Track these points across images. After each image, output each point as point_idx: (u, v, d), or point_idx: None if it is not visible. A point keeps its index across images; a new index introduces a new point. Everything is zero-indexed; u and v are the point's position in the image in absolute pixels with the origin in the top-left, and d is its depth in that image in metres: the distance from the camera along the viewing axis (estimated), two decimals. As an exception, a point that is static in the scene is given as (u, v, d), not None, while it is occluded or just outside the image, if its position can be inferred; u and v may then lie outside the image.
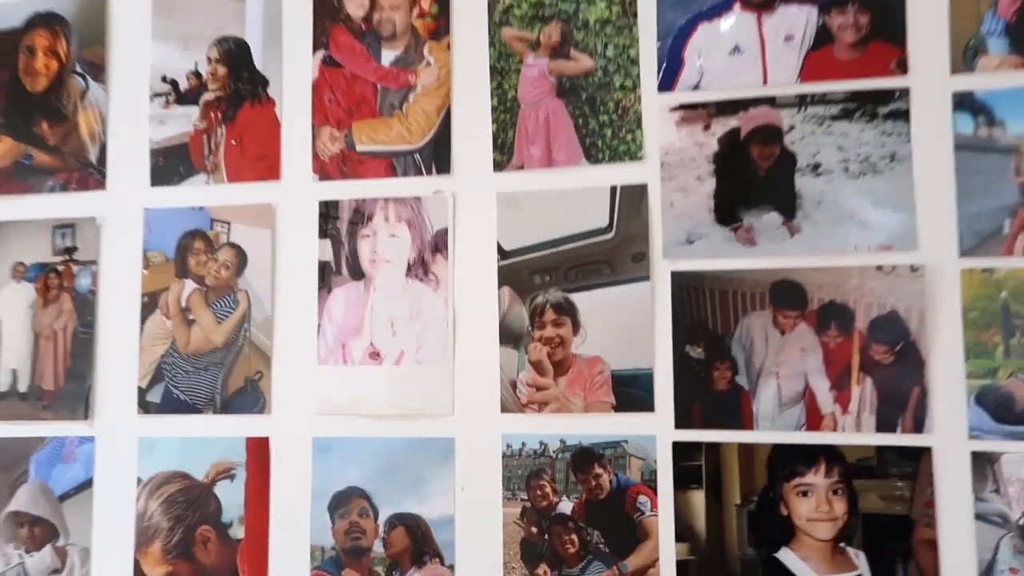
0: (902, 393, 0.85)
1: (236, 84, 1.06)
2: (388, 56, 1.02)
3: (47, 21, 1.11)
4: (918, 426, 0.85)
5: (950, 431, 0.85)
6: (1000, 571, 0.82)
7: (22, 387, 1.08)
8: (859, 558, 0.87)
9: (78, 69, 1.11)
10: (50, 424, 1.08)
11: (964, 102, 0.85)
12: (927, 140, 0.87)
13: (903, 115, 0.87)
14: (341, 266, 1.01)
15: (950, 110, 0.86)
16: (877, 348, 0.87)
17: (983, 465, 0.84)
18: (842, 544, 0.88)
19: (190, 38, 1.07)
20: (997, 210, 0.85)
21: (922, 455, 0.85)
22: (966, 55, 0.86)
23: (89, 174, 1.09)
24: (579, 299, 0.96)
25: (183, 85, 1.07)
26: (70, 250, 1.08)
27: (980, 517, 0.83)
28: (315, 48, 1.04)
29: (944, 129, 0.86)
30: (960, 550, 0.84)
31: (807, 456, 0.88)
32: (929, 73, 0.87)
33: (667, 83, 0.93)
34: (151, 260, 1.07)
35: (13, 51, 1.12)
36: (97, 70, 1.10)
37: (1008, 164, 0.85)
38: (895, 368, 0.86)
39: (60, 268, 1.08)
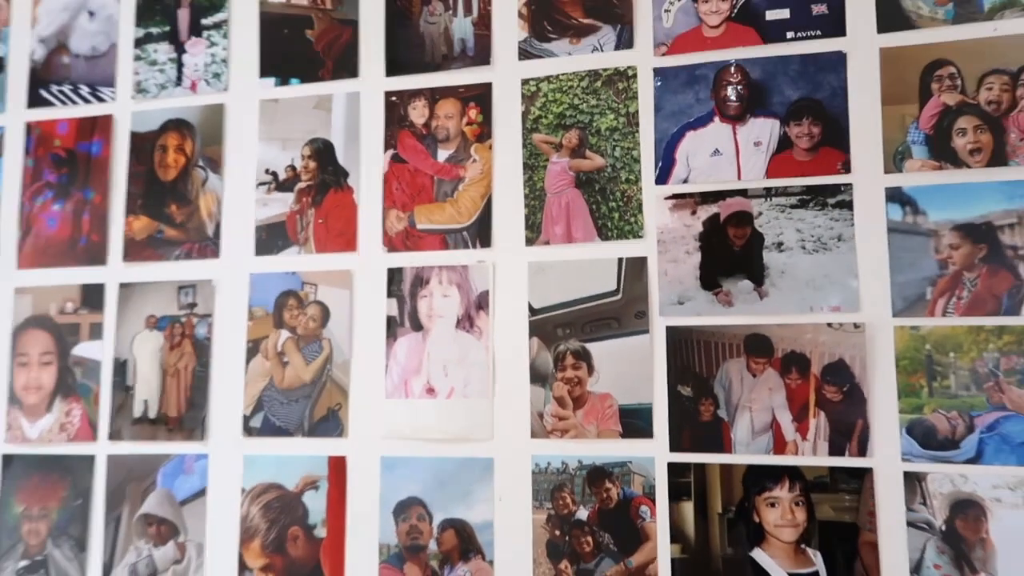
0: (849, 425, 1.05)
1: (323, 175, 1.29)
2: (443, 154, 1.25)
3: (177, 125, 1.36)
4: (862, 451, 1.05)
5: (887, 455, 1.04)
6: (926, 567, 1.01)
7: (152, 414, 1.30)
8: (816, 557, 1.06)
9: (200, 163, 1.34)
10: (174, 444, 1.29)
11: (895, 196, 1.07)
12: (866, 225, 1.08)
13: (847, 205, 1.08)
14: (404, 320, 1.23)
15: (884, 202, 1.07)
16: (829, 389, 1.07)
17: (913, 483, 1.03)
18: (803, 545, 1.06)
19: (288, 139, 1.30)
20: (921, 280, 1.05)
21: (865, 474, 1.05)
22: (895, 159, 1.07)
23: (207, 245, 1.32)
24: (593, 347, 1.16)
25: (282, 176, 1.30)
26: (191, 306, 1.31)
27: (911, 524, 1.02)
28: (386, 148, 1.27)
29: (879, 216, 1.07)
30: (895, 550, 1.03)
31: (774, 474, 1.08)
32: (867, 172, 1.08)
33: (662, 178, 1.15)
34: (254, 314, 1.29)
35: (150, 149, 1.36)
36: (215, 164, 1.33)
37: (929, 244, 1.05)
38: (843, 405, 1.06)
39: (183, 320, 1.31)
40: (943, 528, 1.00)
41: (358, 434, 1.23)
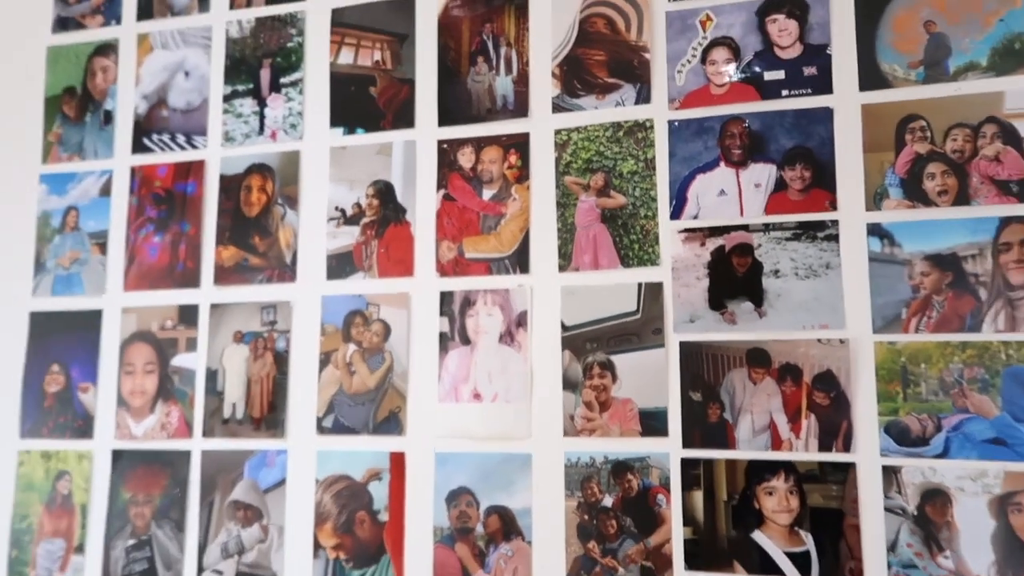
0: (835, 425, 1.22)
1: (384, 212, 1.47)
2: (487, 193, 1.43)
3: (259, 169, 1.54)
4: (846, 447, 1.21)
5: (867, 451, 1.20)
6: (901, 546, 1.17)
7: (239, 415, 1.49)
8: (808, 538, 1.22)
9: (279, 201, 1.53)
10: (258, 440, 1.47)
11: (874, 230, 1.23)
12: (850, 255, 1.24)
13: (834, 238, 1.25)
14: (455, 335, 1.41)
15: (865, 235, 1.23)
16: (818, 395, 1.24)
17: (889, 475, 1.19)
18: (796, 528, 1.22)
19: (354, 181, 1.49)
20: (897, 302, 1.22)
21: (849, 468, 1.21)
22: (875, 199, 1.24)
23: (285, 272, 1.50)
24: (616, 359, 1.33)
25: (349, 212, 1.49)
26: (272, 323, 1.49)
27: (888, 510, 1.18)
28: (438, 188, 1.45)
29: (861, 248, 1.23)
30: (874, 532, 1.18)
31: (772, 468, 1.24)
32: (851, 210, 1.24)
33: (676, 214, 1.32)
34: (326, 330, 1.47)
35: (237, 189, 1.55)
36: (292, 202, 1.52)
37: (904, 272, 1.22)
38: (830, 409, 1.23)
39: (265, 335, 1.49)
40: (915, 513, 1.17)
41: (415, 433, 1.41)
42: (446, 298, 1.42)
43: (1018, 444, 1.13)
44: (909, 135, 1.23)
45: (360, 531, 1.40)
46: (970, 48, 1.21)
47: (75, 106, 1.66)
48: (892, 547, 1.16)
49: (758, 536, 1.23)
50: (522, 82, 1.43)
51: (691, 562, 1.24)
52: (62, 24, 1.70)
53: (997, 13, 1.20)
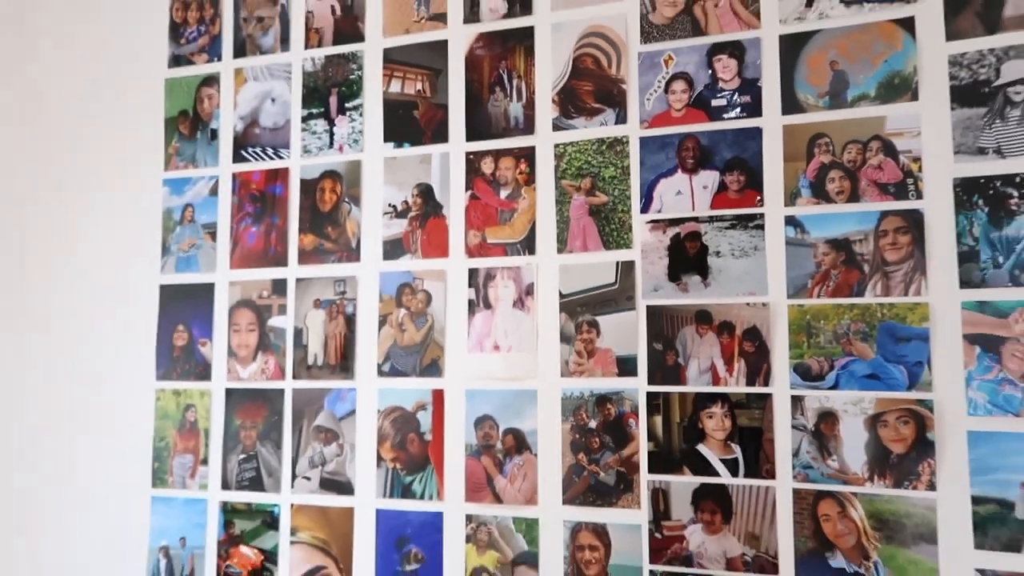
0: (758, 367, 1.61)
1: (426, 208, 1.83)
2: (503, 193, 1.79)
3: (330, 174, 1.91)
4: (766, 383, 1.60)
5: (781, 385, 1.57)
6: (801, 453, 1.57)
7: (319, 363, 1.88)
8: (736, 448, 1.62)
9: (346, 200, 1.89)
10: (333, 382, 1.87)
11: (790, 221, 1.61)
12: (772, 240, 1.60)
13: (761, 227, 1.63)
14: (479, 302, 1.81)
15: (783, 225, 1.60)
16: (747, 344, 1.64)
17: (796, 402, 1.59)
18: (728, 441, 1.63)
19: (402, 183, 1.86)
20: (805, 275, 1.60)
21: (768, 398, 1.62)
22: (791, 197, 1.62)
23: (351, 253, 1.88)
24: (600, 319, 1.69)
25: (399, 208, 1.85)
26: (342, 293, 1.88)
27: (794, 427, 1.58)
28: (467, 189, 1.81)
29: (780, 234, 1.59)
30: (783, 443, 1.57)
31: (712, 398, 1.62)
32: (773, 206, 1.60)
33: (644, 209, 1.69)
34: (383, 298, 1.86)
35: (313, 190, 1.92)
36: (355, 200, 1.89)
37: (810, 252, 1.59)
38: (755, 355, 1.62)
39: (337, 302, 1.89)
40: (812, 429, 1.56)
41: (451, 375, 1.79)
42: (473, 273, 1.80)
43: (888, 378, 1.53)
44: (817, 149, 1.59)
45: (411, 447, 1.82)
46: (863, 82, 1.59)
47: (188, 126, 2.10)
48: (796, 453, 1.57)
49: (701, 448, 1.63)
50: (529, 107, 1.81)
51: (652, 467, 1.65)
52: (176, 61, 2.13)
53: (883, 55, 1.58)
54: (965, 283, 1.48)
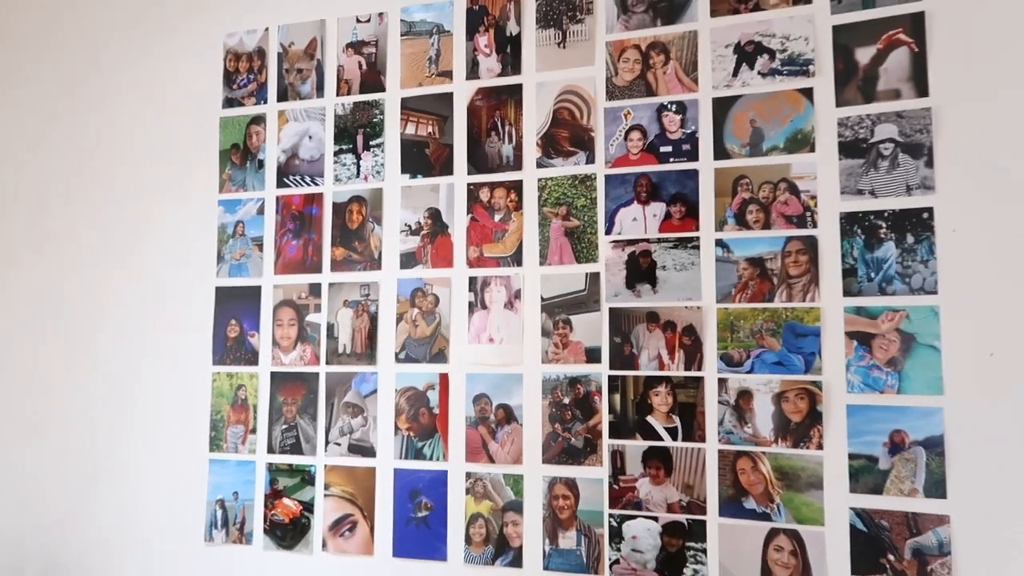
0: (694, 356, 2.08)
1: (435, 227, 2.26)
2: (497, 217, 2.26)
3: (357, 199, 2.29)
4: (700, 368, 2.09)
5: (710, 370, 2.05)
6: (725, 423, 2.04)
7: (348, 351, 2.30)
8: (676, 419, 2.10)
9: (370, 220, 2.33)
10: (359, 367, 2.26)
11: (719, 243, 2.10)
12: (706, 257, 2.09)
13: (697, 247, 2.12)
14: (478, 304, 2.26)
15: (714, 246, 2.10)
16: (685, 339, 2.10)
17: (721, 383, 2.07)
18: (671, 414, 2.11)
19: (416, 207, 2.31)
20: (730, 285, 2.06)
21: (701, 379, 2.08)
22: (720, 225, 2.09)
23: (374, 263, 2.26)
24: (573, 318, 2.10)
25: (413, 227, 2.36)
26: (367, 295, 2.32)
27: (719, 402, 2.06)
28: (468, 213, 2.25)
29: (711, 253, 2.09)
30: (712, 415, 2.06)
31: (658, 380, 2.12)
32: (707, 231, 2.10)
33: (608, 232, 2.15)
34: (399, 299, 2.37)
35: (343, 211, 2.31)
36: (378, 220, 2.30)
37: (734, 268, 2.06)
38: (692, 346, 2.08)
39: (363, 302, 2.40)
40: (733, 404, 2.05)
41: (455, 362, 2.17)
42: (472, 281, 2.20)
43: (790, 365, 1.98)
44: (739, 187, 2.06)
45: (422, 419, 2.24)
46: (774, 136, 2.04)
47: (239, 156, 2.55)
48: (721, 422, 2.04)
49: (650, 419, 2.06)
50: (518, 148, 2.23)
51: (612, 434, 2.08)
52: (229, 103, 2.58)
53: (790, 116, 2.04)
54: (847, 293, 1.95)
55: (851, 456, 1.90)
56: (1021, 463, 1.75)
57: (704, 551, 1.98)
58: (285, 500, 2.36)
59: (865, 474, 1.88)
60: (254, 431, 2.35)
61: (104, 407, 2.59)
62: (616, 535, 2.06)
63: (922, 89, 1.90)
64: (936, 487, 1.81)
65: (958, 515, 1.79)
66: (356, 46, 2.43)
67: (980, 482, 1.78)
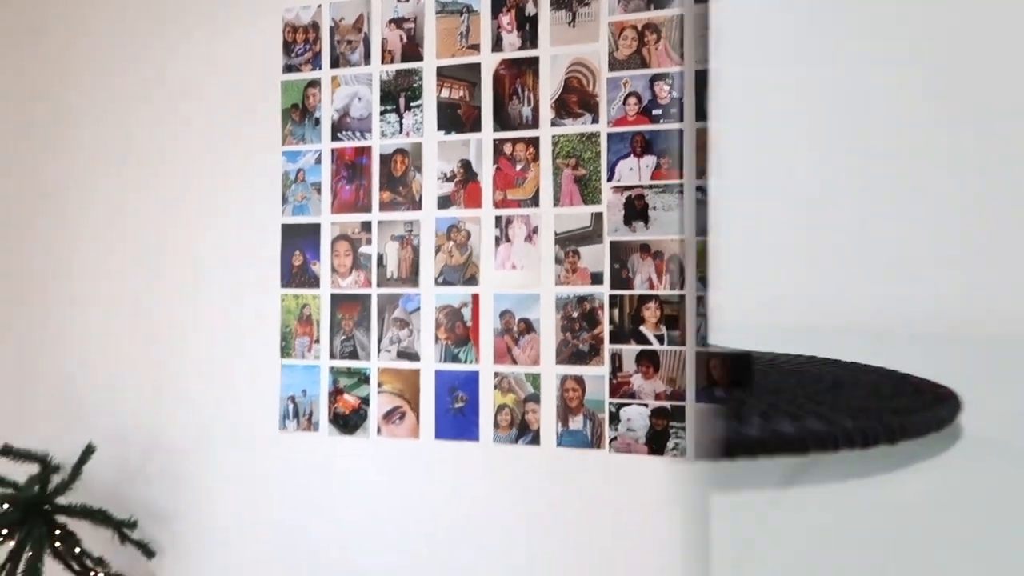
0: (677, 278, 2.67)
1: (466, 176, 2.59)
2: (518, 167, 2.64)
3: (401, 151, 2.57)
4: (681, 288, 2.65)
5: (690, 291, 2.64)
6: (702, 331, 2.62)
7: (395, 277, 2.64)
8: (663, 329, 2.67)
9: (411, 169, 2.67)
10: (405, 289, 2.54)
11: (699, 188, 2.64)
12: (688, 200, 2.67)
13: (681, 192, 2.66)
14: (502, 237, 2.66)
15: (694, 191, 2.65)
16: (670, 265, 2.67)
17: (699, 300, 2.64)
18: (659, 324, 2.67)
19: (450, 158, 2.75)
20: (706, 221, 2.64)
21: (683, 298, 2.66)
22: (700, 173, 2.64)
23: (416, 205, 2.54)
24: (581, 249, 2.42)
25: (448, 175, 2.69)
26: (410, 231, 2.72)
27: (698, 315, 2.65)
28: (494, 163, 2.56)
29: (692, 197, 2.65)
30: (691, 325, 2.65)
31: (650, 297, 2.68)
32: (689, 179, 2.66)
33: (609, 179, 2.67)
34: (437, 234, 2.69)
35: (389, 162, 2.62)
36: (419, 169, 2.65)
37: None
38: (676, 272, 2.68)
39: (406, 236, 2.83)
40: (707, 316, 2.62)
41: (484, 285, 2.44)
42: (498, 219, 2.59)
43: (751, 285, 2.55)
44: (715, 144, 2.59)
45: (457, 331, 2.60)
46: (744, 104, 2.57)
47: (298, 115, 2.97)
48: (698, 331, 2.62)
49: (642, 328, 2.55)
50: (536, 110, 2.54)
51: (612, 341, 2.59)
52: (288, 69, 2.94)
53: (756, 88, 2.55)
54: (796, 228, 2.50)
55: (795, 353, 2.46)
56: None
57: (683, 429, 2.57)
58: (345, 396, 2.90)
59: (805, 366, 2.46)
60: (318, 341, 2.79)
61: (195, 327, 3.12)
62: (614, 419, 2.63)
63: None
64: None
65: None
66: (397, 22, 2.89)
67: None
